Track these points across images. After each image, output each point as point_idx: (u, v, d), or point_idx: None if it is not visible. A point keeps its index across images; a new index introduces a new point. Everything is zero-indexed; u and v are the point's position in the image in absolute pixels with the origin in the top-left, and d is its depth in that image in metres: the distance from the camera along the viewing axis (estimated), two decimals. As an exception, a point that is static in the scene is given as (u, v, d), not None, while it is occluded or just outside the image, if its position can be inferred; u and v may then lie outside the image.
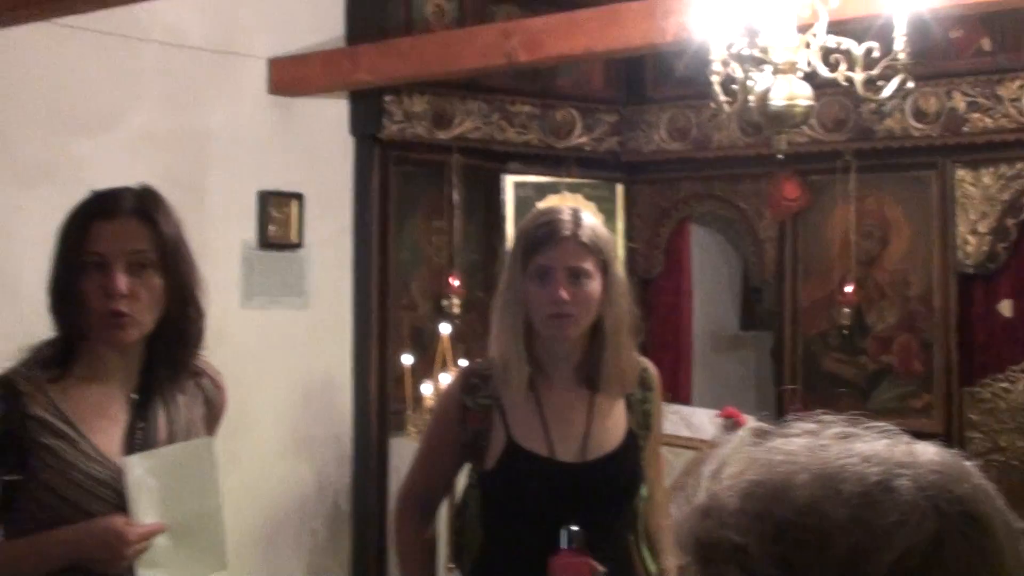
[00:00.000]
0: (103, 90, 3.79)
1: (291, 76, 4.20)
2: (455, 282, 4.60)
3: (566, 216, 2.17)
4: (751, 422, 3.57)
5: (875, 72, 2.57)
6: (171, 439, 2.01)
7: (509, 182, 4.76)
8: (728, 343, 5.44)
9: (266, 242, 4.22)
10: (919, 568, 0.73)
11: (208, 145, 4.05)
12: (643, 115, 4.82)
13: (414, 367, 4.14)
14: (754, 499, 0.77)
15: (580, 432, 2.19)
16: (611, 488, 2.21)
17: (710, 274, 5.41)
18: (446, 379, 3.90)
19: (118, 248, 1.91)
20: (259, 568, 4.23)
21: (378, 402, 4.50)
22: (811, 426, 0.83)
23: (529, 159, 4.83)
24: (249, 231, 4.20)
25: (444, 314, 4.52)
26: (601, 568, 2.05)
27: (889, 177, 4.23)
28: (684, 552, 0.81)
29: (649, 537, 2.31)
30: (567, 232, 2.13)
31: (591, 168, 4.89)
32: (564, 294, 2.11)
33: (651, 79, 4.84)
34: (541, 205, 4.78)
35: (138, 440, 1.96)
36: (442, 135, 4.54)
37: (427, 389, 3.94)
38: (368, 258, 4.48)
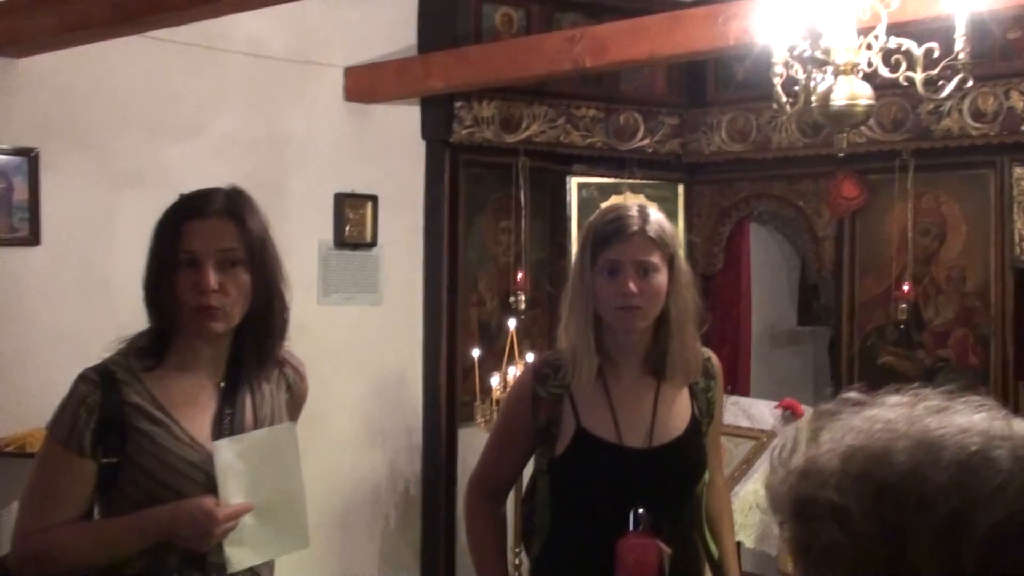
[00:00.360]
0: (191, 99, 3.94)
1: (366, 84, 4.33)
2: (522, 279, 4.76)
3: (634, 212, 2.20)
4: (809, 413, 3.67)
5: (935, 72, 2.58)
6: (257, 425, 2.09)
7: (573, 183, 4.88)
8: (786, 338, 5.52)
9: (342, 241, 4.36)
10: (1015, 536, 0.74)
11: (288, 150, 4.20)
12: (704, 118, 4.90)
13: (482, 360, 4.25)
14: (855, 462, 0.78)
15: (647, 419, 2.23)
16: (677, 474, 2.24)
17: (769, 271, 5.49)
18: (513, 372, 4.06)
19: (209, 246, 1.98)
20: (335, 551, 4.39)
21: (447, 394, 4.63)
22: (907, 398, 0.85)
23: (593, 161, 4.94)
24: (326, 231, 4.34)
25: (511, 310, 4.65)
26: (668, 549, 2.11)
27: (946, 176, 4.26)
28: (780, 512, 0.84)
29: (709, 521, 2.35)
30: (635, 228, 2.16)
31: (653, 169, 4.98)
32: (633, 288, 2.14)
33: (712, 83, 4.92)
34: (605, 205, 4.93)
35: (226, 426, 2.04)
36: (510, 138, 4.67)
37: (495, 381, 4.05)
38: (439, 256, 4.61)
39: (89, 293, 3.65)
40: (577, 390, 2.25)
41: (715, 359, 2.37)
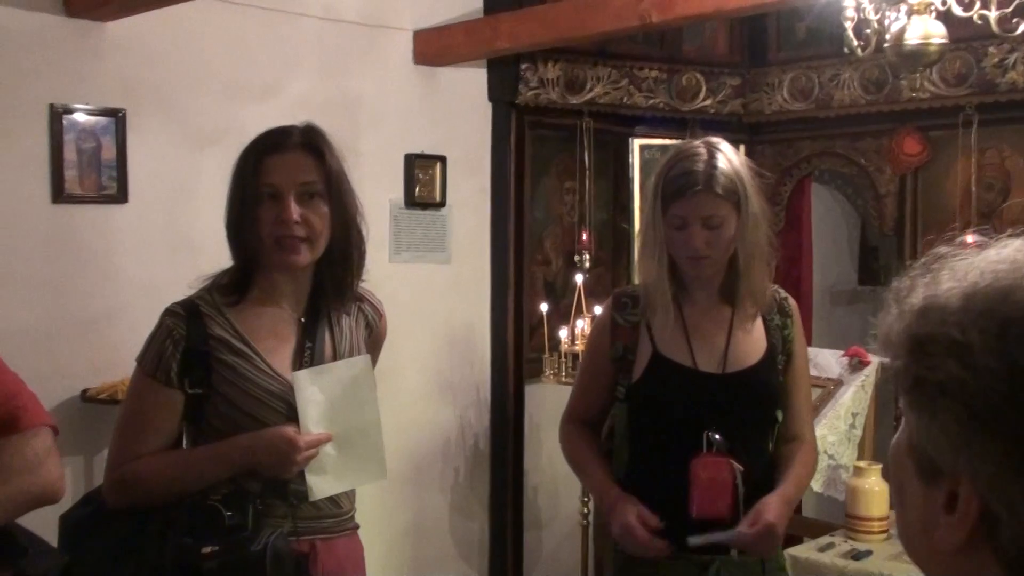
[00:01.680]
0: (267, 61, 4.02)
1: (435, 46, 4.39)
2: (586, 239, 4.84)
3: (700, 165, 2.18)
4: (875, 362, 3.72)
5: (1009, 9, 2.57)
6: (336, 358, 2.12)
7: (636, 145, 4.94)
8: (846, 298, 5.54)
9: (412, 201, 4.43)
10: None
11: (359, 111, 4.28)
12: (765, 77, 4.93)
13: (549, 315, 4.32)
14: (978, 299, 0.78)
15: (721, 346, 2.28)
16: (749, 400, 2.27)
17: (829, 230, 5.52)
18: (581, 325, 4.15)
19: (289, 180, 2.02)
20: (406, 502, 4.51)
21: (514, 350, 4.72)
22: None
23: (655, 122, 4.98)
24: (397, 191, 4.42)
25: (575, 269, 4.73)
26: (740, 467, 2.18)
27: (1011, 130, 4.26)
28: (891, 348, 0.84)
29: (776, 461, 2.34)
30: (700, 185, 2.17)
31: (715, 129, 4.90)
32: (699, 243, 2.20)
33: (773, 42, 4.94)
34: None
35: (306, 358, 2.08)
36: (574, 100, 4.73)
37: (563, 334, 4.14)
38: (505, 216, 4.69)
39: (174, 249, 3.77)
40: (653, 318, 2.31)
41: (792, 301, 2.38)
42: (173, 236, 3.79)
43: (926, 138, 4.47)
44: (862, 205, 4.98)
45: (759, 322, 2.32)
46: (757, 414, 2.31)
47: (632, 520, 2.20)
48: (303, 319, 2.12)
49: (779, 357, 2.32)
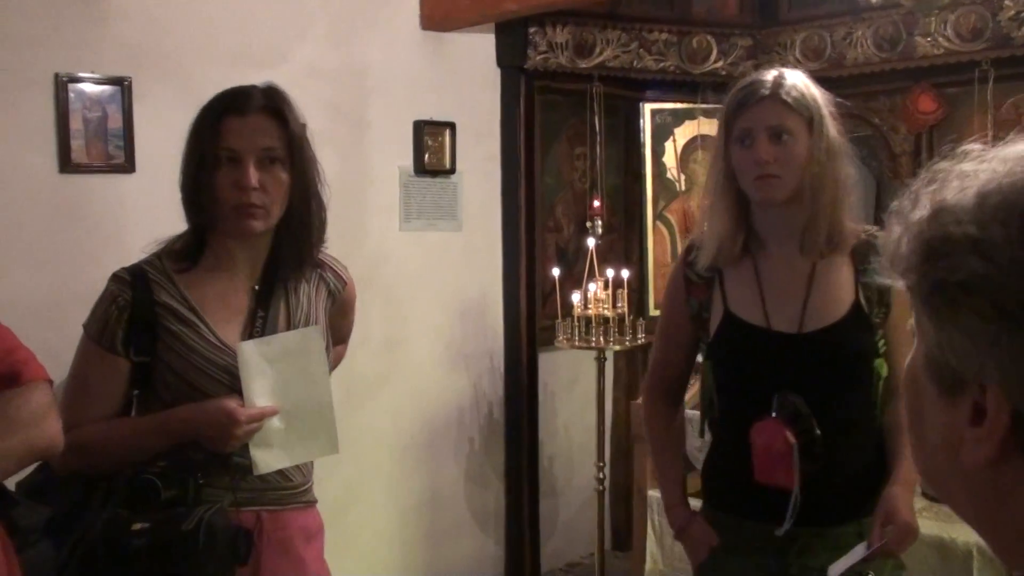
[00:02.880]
0: (274, 28, 3.98)
1: (441, 10, 4.34)
2: (598, 205, 4.80)
3: (768, 76, 2.09)
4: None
5: None
6: (290, 328, 2.06)
7: (647, 109, 4.90)
8: (864, 261, 5.49)
9: (422, 168, 4.39)
10: None
11: (367, 79, 4.25)
12: (777, 38, 4.87)
13: (561, 281, 4.28)
14: (994, 195, 0.75)
15: (799, 302, 2.10)
16: (831, 360, 2.08)
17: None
18: (594, 288, 4.11)
19: (250, 144, 1.96)
20: (421, 472, 4.51)
21: (527, 318, 4.69)
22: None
23: (666, 86, 4.94)
24: (406, 158, 4.38)
25: (587, 236, 4.68)
26: (793, 440, 2.01)
27: (1026, 84, 4.23)
28: (904, 264, 0.81)
29: (886, 423, 2.16)
30: (766, 91, 2.05)
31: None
32: (765, 154, 2.02)
33: (784, 1, 4.88)
34: (677, 131, 4.94)
35: (257, 328, 2.02)
36: (583, 64, 4.68)
37: (575, 298, 4.11)
38: (516, 183, 4.65)
39: (182, 218, 3.72)
40: (727, 272, 2.17)
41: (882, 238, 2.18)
42: (180, 204, 3.75)
43: (941, 95, 4.41)
44: (876, 166, 4.92)
45: (848, 272, 2.10)
46: (843, 375, 2.11)
47: (700, 546, 2.21)
48: (256, 287, 2.06)
49: (875, 310, 2.09)
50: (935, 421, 0.81)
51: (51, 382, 1.95)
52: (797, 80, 2.10)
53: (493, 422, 4.78)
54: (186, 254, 2.03)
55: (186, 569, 1.86)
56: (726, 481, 2.23)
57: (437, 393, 4.57)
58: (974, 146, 0.83)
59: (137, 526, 1.85)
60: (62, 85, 3.47)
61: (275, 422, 2.00)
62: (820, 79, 4.64)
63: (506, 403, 4.79)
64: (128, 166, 3.65)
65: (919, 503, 3.28)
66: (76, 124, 3.51)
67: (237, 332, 2.02)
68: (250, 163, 1.95)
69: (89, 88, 3.54)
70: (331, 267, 2.22)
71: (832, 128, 2.10)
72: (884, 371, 2.14)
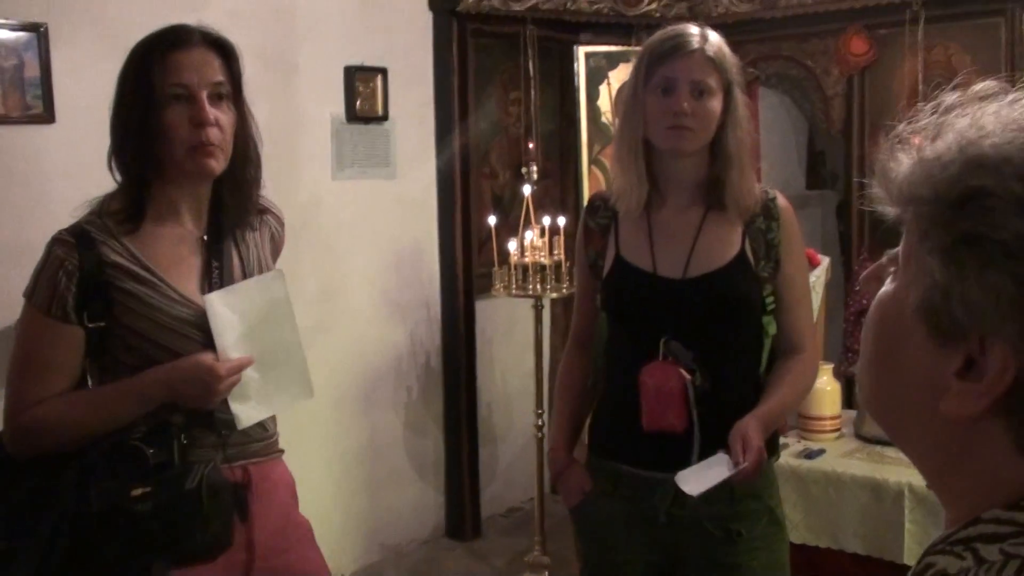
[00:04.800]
0: None
1: (371, -48, 4.27)
2: (533, 150, 4.76)
3: (694, 31, 2.10)
4: (825, 262, 3.71)
5: None
6: (246, 276, 1.99)
7: (581, 52, 4.84)
8: (795, 202, 5.48)
9: (354, 115, 4.30)
10: None
11: (294, 22, 4.13)
12: (711, -22, 4.86)
13: (497, 228, 4.24)
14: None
15: (685, 250, 2.14)
16: (711, 306, 2.12)
17: (777, 136, 5.49)
18: (530, 236, 4.09)
19: (202, 79, 1.84)
20: (360, 422, 4.49)
21: (464, 266, 4.67)
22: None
23: (600, 28, 4.90)
24: (338, 105, 4.29)
25: (523, 181, 4.65)
26: (688, 376, 2.05)
27: (956, 26, 4.23)
28: (916, 197, 0.77)
29: (771, 376, 2.20)
30: (695, 45, 2.06)
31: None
32: (686, 106, 2.04)
33: (719, -57, 4.87)
34: (612, 74, 4.91)
35: (215, 279, 1.93)
36: (516, 7, 4.62)
37: (512, 246, 4.07)
38: (450, 128, 4.60)
39: (106, 169, 3.64)
40: (623, 221, 2.21)
41: (781, 200, 2.19)
42: (104, 155, 3.63)
43: (872, 37, 4.43)
44: (809, 108, 4.95)
45: (736, 224, 2.15)
46: (726, 322, 2.15)
47: (573, 492, 2.27)
48: (205, 237, 1.97)
49: (761, 263, 2.14)
50: (917, 363, 0.78)
51: None
52: (720, 40, 2.13)
53: (431, 371, 4.76)
54: (129, 213, 1.89)
55: (192, 529, 1.82)
56: (611, 429, 2.26)
57: (374, 343, 4.54)
58: (993, 83, 0.80)
59: (137, 491, 1.77)
60: (-27, 32, 3.33)
61: (251, 372, 1.93)
62: (754, 20, 4.75)
63: (443, 351, 4.77)
64: (47, 116, 3.53)
65: (851, 444, 3.35)
66: (-10, 73, 3.38)
67: (195, 286, 1.92)
68: (204, 98, 1.84)
69: (2, 35, 3.39)
70: (271, 211, 2.14)
71: (741, 95, 2.14)
72: (772, 329, 2.20)
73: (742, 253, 2.13)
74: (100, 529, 1.76)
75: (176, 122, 1.83)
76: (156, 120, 1.84)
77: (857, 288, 3.93)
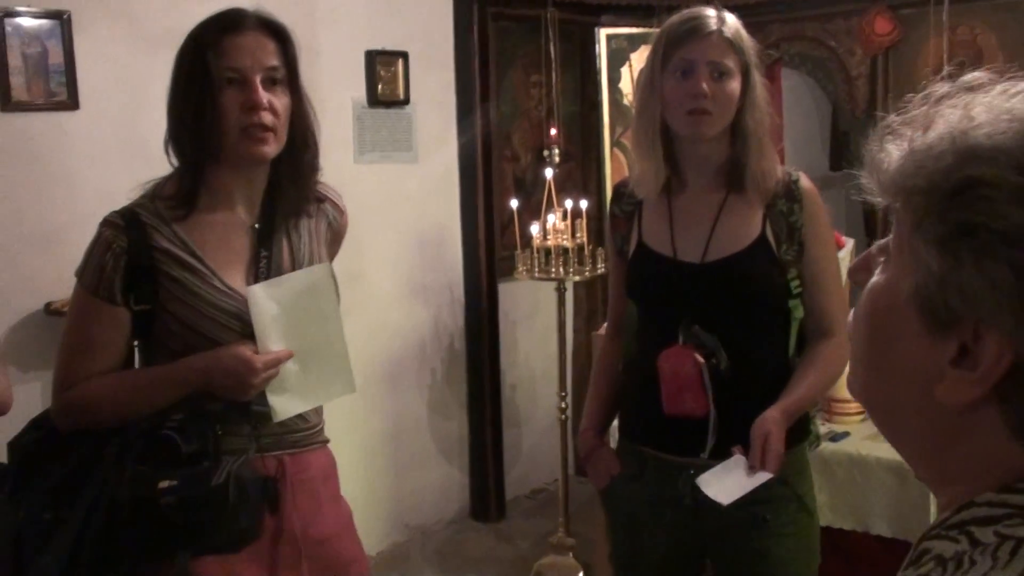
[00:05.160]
0: None
1: (391, -64, 4.26)
2: (555, 133, 4.75)
3: (711, 13, 2.09)
4: (850, 244, 3.69)
5: None
6: (295, 267, 1.97)
7: (602, 35, 4.82)
8: (819, 183, 5.45)
9: (375, 99, 4.30)
10: None
11: (316, 7, 4.13)
12: (733, -41, 4.84)
13: (519, 211, 4.26)
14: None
15: (705, 234, 2.13)
16: (730, 290, 2.11)
17: (800, 117, 5.46)
18: (552, 220, 4.09)
19: (255, 63, 1.84)
20: (385, 405, 4.51)
21: (486, 249, 4.68)
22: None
23: (621, 10, 4.87)
24: (359, 89, 4.29)
25: (545, 164, 4.65)
26: (703, 360, 2.05)
27: (981, 5, 4.19)
28: (908, 187, 0.77)
29: (801, 364, 2.16)
30: (713, 27, 2.06)
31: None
32: (706, 88, 2.02)
33: (741, -79, 4.84)
34: (634, 56, 4.89)
35: (262, 270, 1.93)
36: (537, -12, 4.61)
37: (534, 229, 4.07)
38: (471, 112, 4.59)
39: (131, 155, 3.65)
40: (645, 206, 2.21)
41: (805, 181, 2.16)
42: (128, 141, 3.67)
43: (897, 16, 4.39)
44: (832, 90, 4.91)
45: (757, 208, 2.12)
46: (747, 306, 2.13)
47: (602, 474, 2.27)
48: (256, 226, 1.96)
49: (783, 246, 2.11)
50: (910, 352, 0.79)
51: None
52: (735, 23, 2.11)
53: (455, 353, 4.78)
54: (182, 198, 1.88)
55: (216, 523, 1.83)
56: (637, 413, 2.27)
57: (398, 326, 4.55)
58: (981, 74, 0.79)
59: (164, 483, 1.78)
60: (-1, 20, 3.35)
61: (290, 365, 1.93)
62: (777, 1, 4.69)
63: (467, 334, 4.79)
64: (71, 103, 3.55)
65: (873, 429, 3.34)
66: (15, 61, 3.40)
67: (241, 275, 1.92)
68: (257, 82, 1.84)
69: (27, 23, 3.42)
70: (330, 198, 2.12)
71: (760, 75, 2.12)
72: (799, 312, 2.17)
73: (762, 236, 2.11)
74: (128, 514, 1.78)
75: (229, 106, 1.84)
76: (211, 104, 1.83)
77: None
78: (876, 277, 0.83)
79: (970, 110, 0.75)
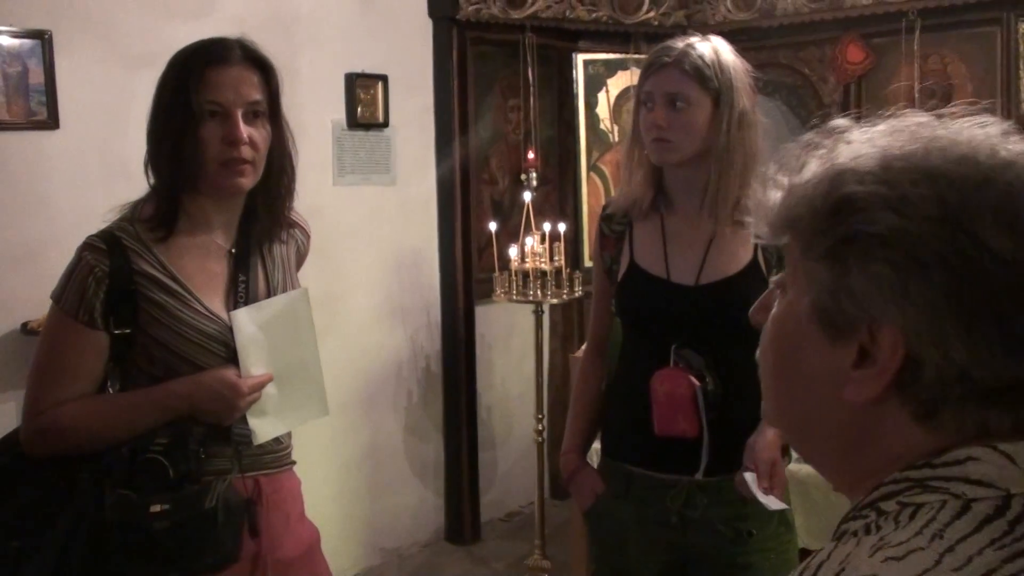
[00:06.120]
0: None
1: (371, -40, 4.29)
2: (532, 157, 4.79)
3: (679, 44, 2.14)
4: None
5: None
6: (270, 292, 1.99)
7: (580, 60, 4.87)
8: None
9: (355, 122, 4.33)
10: None
11: (296, 30, 4.16)
12: (708, -13, 4.90)
13: (497, 235, 4.27)
14: (898, 160, 0.82)
15: (698, 257, 2.16)
16: (723, 312, 2.12)
17: (773, 145, 5.52)
18: (531, 243, 4.11)
19: (238, 97, 1.85)
20: (360, 426, 4.51)
21: (463, 272, 4.69)
22: (908, 118, 0.87)
23: (599, 36, 4.93)
24: (338, 112, 4.32)
25: (522, 188, 4.68)
26: (697, 383, 2.07)
27: (953, 35, 4.26)
28: (793, 220, 0.86)
29: None
30: (669, 59, 2.11)
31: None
32: (661, 120, 2.09)
33: (716, -49, 4.90)
34: (610, 81, 4.94)
35: (240, 294, 1.93)
36: (516, 14, 4.64)
37: (513, 252, 4.10)
38: (450, 135, 4.62)
39: (111, 176, 3.66)
40: (637, 228, 2.25)
41: None
42: (108, 162, 3.68)
43: (869, 45, 4.46)
44: (806, 116, 4.97)
45: (749, 234, 2.15)
46: (738, 329, 2.14)
47: (586, 494, 2.30)
48: (233, 250, 1.98)
49: (774, 271, 2.13)
50: (815, 364, 0.87)
51: None
52: (707, 51, 2.13)
53: (431, 375, 4.78)
54: (161, 220, 1.88)
55: (205, 546, 1.84)
56: (624, 432, 2.28)
57: (375, 347, 4.56)
58: (842, 121, 0.91)
59: (156, 508, 1.78)
60: (-22, 39, 3.35)
61: (269, 389, 1.94)
62: (751, 29, 4.77)
63: (443, 356, 4.79)
64: (51, 122, 3.56)
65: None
66: (-5, 79, 3.40)
67: (221, 300, 1.93)
68: (239, 117, 1.85)
69: (7, 42, 3.42)
70: (299, 224, 2.14)
71: (745, 99, 2.14)
72: None
73: (754, 261, 2.16)
74: (114, 539, 1.78)
75: (209, 138, 1.85)
76: (191, 135, 1.84)
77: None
78: (775, 310, 0.93)
79: (834, 149, 0.87)
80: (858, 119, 0.91)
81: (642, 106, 2.15)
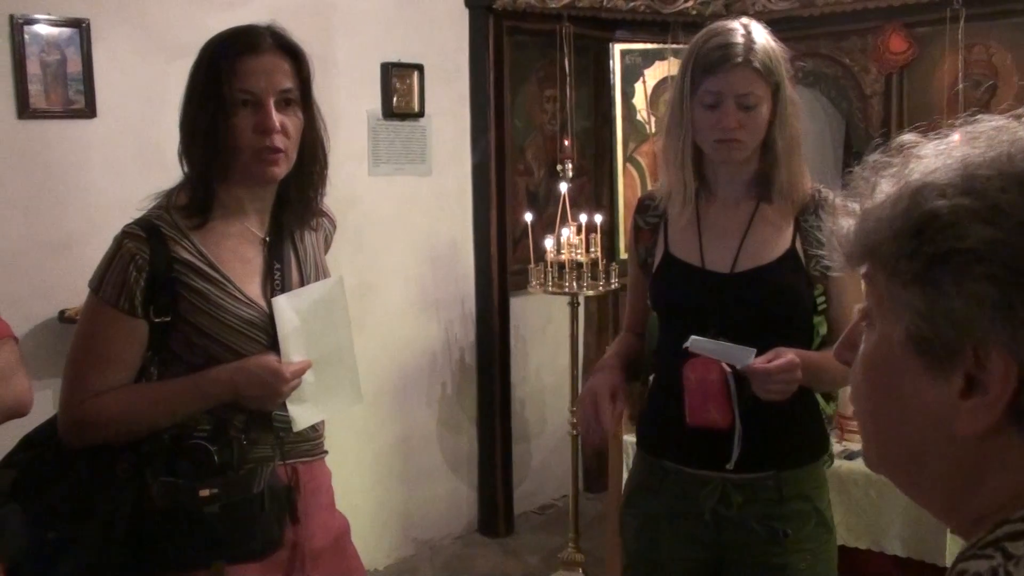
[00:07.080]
0: None
1: (409, -51, 4.27)
2: (568, 148, 4.75)
3: (739, 38, 2.03)
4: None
5: None
6: (302, 279, 1.99)
7: (616, 50, 4.84)
8: (833, 202, 5.50)
9: (390, 112, 4.31)
10: None
11: (333, 19, 4.15)
12: (748, -24, 4.83)
13: (533, 225, 4.25)
14: (980, 168, 0.76)
15: (734, 245, 2.12)
16: (758, 299, 2.09)
17: (813, 136, 5.45)
18: (567, 234, 4.09)
19: (269, 86, 1.85)
20: (394, 417, 4.50)
21: (498, 263, 4.67)
22: (986, 123, 0.82)
23: (636, 26, 4.88)
24: (374, 101, 4.30)
25: (558, 179, 4.65)
26: (728, 368, 2.01)
27: (997, 24, 4.19)
28: (875, 246, 0.80)
29: None
30: (739, 59, 2.01)
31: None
32: (734, 122, 2.02)
33: (756, -61, 4.84)
34: (648, 72, 4.89)
35: (276, 282, 1.94)
36: (552, 4, 4.60)
37: (548, 243, 4.08)
38: (485, 126, 4.60)
39: (147, 164, 3.66)
40: (672, 217, 2.20)
41: (832, 197, 2.11)
42: (144, 150, 3.68)
43: (912, 35, 4.39)
44: (846, 108, 4.91)
45: (789, 221, 2.11)
46: (774, 317, 2.10)
47: (602, 390, 2.14)
48: (267, 238, 1.98)
49: (812, 262, 2.09)
50: (918, 399, 0.79)
51: (16, 339, 1.87)
52: (764, 42, 2.05)
53: (465, 367, 4.77)
54: (196, 208, 1.88)
55: (253, 531, 1.85)
56: (658, 426, 2.25)
57: (409, 338, 4.54)
58: (909, 136, 0.85)
59: (205, 492, 1.78)
60: (17, 28, 3.36)
61: (307, 376, 1.95)
62: (792, 19, 4.71)
63: (478, 348, 4.78)
64: (89, 111, 3.56)
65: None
66: (34, 68, 3.41)
67: (258, 287, 1.93)
68: (271, 105, 1.84)
69: (45, 30, 3.43)
70: (328, 213, 2.15)
71: (790, 87, 2.09)
72: (823, 329, 2.17)
73: (792, 249, 2.11)
74: (163, 524, 1.78)
75: (242, 127, 1.84)
76: (224, 124, 1.84)
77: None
78: (863, 346, 0.85)
79: (908, 164, 0.81)
80: (925, 133, 0.85)
81: (701, 105, 2.06)
